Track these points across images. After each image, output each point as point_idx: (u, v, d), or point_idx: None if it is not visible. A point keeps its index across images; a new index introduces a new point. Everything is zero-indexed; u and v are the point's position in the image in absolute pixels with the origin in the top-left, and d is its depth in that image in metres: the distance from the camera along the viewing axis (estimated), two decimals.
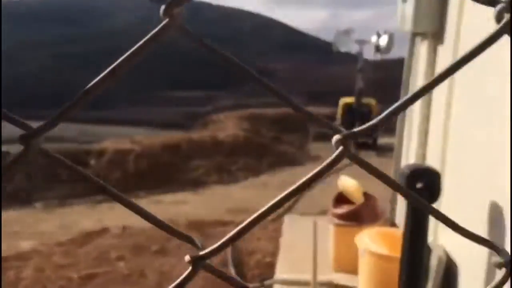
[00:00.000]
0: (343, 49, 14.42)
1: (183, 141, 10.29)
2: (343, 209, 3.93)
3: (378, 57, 14.19)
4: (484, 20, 0.76)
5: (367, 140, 13.87)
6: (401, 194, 0.54)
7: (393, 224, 3.96)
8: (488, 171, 2.23)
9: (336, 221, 3.93)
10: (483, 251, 2.08)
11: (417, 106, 3.83)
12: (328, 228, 4.15)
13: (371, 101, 14.67)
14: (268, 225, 5.92)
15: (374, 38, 13.97)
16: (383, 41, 13.57)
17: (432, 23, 3.26)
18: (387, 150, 12.95)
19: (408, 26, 3.39)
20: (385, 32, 13.78)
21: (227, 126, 12.68)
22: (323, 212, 7.47)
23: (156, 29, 0.43)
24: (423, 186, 2.31)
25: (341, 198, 4.06)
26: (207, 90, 61.12)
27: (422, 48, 3.44)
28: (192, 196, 8.57)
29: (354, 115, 13.76)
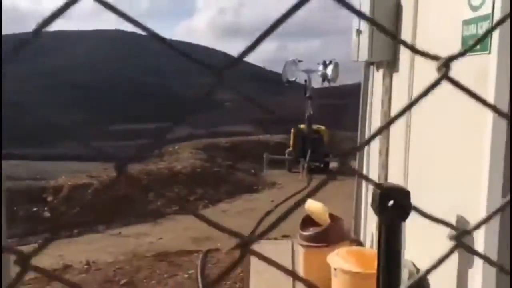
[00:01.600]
0: (291, 78, 14.85)
1: (141, 173, 10.23)
2: (311, 231, 4.10)
3: (326, 85, 14.72)
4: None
5: (320, 164, 14.24)
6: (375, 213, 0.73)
7: (359, 243, 4.16)
8: (452, 187, 2.45)
9: (305, 243, 4.09)
10: (451, 260, 2.28)
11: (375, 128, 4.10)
12: (295, 251, 4.30)
13: (321, 127, 15.12)
14: (232, 253, 6.00)
15: (320, 67, 14.53)
16: (330, 70, 14.15)
17: (387, 53, 3.54)
18: (339, 174, 13.33)
19: (364, 56, 3.66)
20: (330, 62, 14.38)
21: (183, 156, 12.72)
22: (285, 237, 7.63)
23: None
24: (394, 204, 2.51)
25: (308, 221, 4.23)
26: (159, 122, 60.74)
27: (378, 76, 3.72)
28: (154, 227, 8.52)
29: (305, 141, 14.12)
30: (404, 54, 3.34)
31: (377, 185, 2.67)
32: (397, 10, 3.49)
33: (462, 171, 2.40)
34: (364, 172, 4.38)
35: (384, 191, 2.59)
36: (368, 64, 4.10)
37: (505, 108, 2.07)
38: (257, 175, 13.53)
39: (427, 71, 2.91)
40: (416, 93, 3.19)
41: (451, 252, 0.64)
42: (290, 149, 14.64)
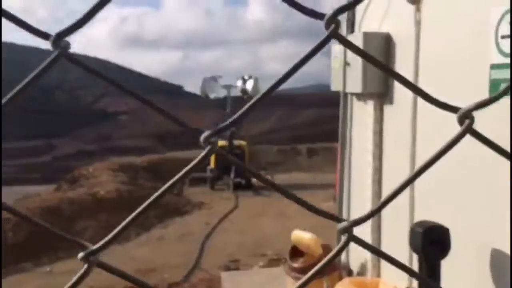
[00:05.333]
0: (212, 95, 14.77)
1: (62, 202, 9.50)
2: (301, 263, 4.04)
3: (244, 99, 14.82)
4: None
5: (241, 180, 14.27)
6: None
7: (350, 272, 4.17)
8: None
9: (296, 274, 4.01)
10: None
11: (356, 153, 4.16)
12: (281, 281, 4.22)
13: (242, 143, 15.17)
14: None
15: (239, 83, 14.64)
16: (249, 85, 14.29)
17: (380, 85, 3.61)
18: (262, 189, 13.46)
19: (356, 88, 3.70)
20: (250, 77, 14.54)
21: (103, 180, 12.03)
22: (235, 262, 7.50)
23: (49, 59, 0.58)
24: (435, 242, 2.55)
25: (296, 251, 4.17)
26: (44, 139, 57.19)
27: (369, 107, 3.77)
28: None
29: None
30: (399, 87, 3.42)
31: (417, 224, 2.69)
32: (388, 44, 3.57)
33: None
34: (345, 198, 4.42)
35: (425, 229, 2.62)
36: (345, 94, 4.16)
37: None
38: (181, 195, 13.19)
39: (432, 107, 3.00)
40: (420, 126, 3.29)
41: (345, 244, 0.63)
42: (211, 166, 14.49)
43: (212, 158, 15.02)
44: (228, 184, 14.22)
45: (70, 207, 9.49)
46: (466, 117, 0.66)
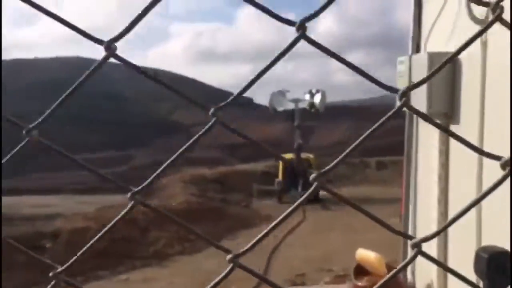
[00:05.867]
0: (279, 108, 14.97)
1: (137, 212, 9.97)
2: (366, 281, 4.05)
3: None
4: None
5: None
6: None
7: None
8: None
9: None
10: None
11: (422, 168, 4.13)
12: None
13: (310, 156, 15.22)
14: None
15: (307, 97, 14.73)
16: (317, 99, 14.35)
17: (446, 105, 3.59)
18: (330, 203, 13.39)
19: (421, 107, 3.69)
20: (317, 91, 14.60)
21: (174, 192, 12.49)
22: (301, 276, 7.56)
23: (99, 61, 0.64)
24: (501, 268, 2.51)
25: (361, 269, 4.18)
26: (120, 150, 59.81)
27: (426, 126, 3.76)
28: (160, 271, 8.29)
29: (295, 170, 14.14)
30: (470, 107, 3.38)
31: (483, 249, 2.66)
32: (453, 64, 3.55)
33: None
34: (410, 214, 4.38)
35: (490, 254, 2.58)
36: (410, 113, 4.15)
37: None
38: (249, 207, 13.43)
39: (500, 127, 2.95)
40: (487, 146, 3.24)
41: (414, 257, 0.75)
42: (279, 179, 14.63)
43: (280, 170, 15.17)
44: (296, 197, 14.28)
45: (144, 217, 9.94)
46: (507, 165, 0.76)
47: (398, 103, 0.78)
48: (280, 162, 15.01)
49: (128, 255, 8.71)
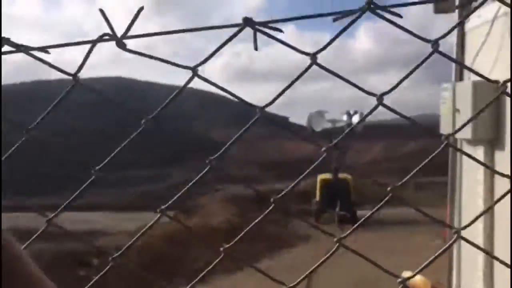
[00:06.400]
0: (317, 129, 15.11)
1: (179, 231, 10.24)
2: None
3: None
4: None
5: (347, 213, 14.25)
6: None
7: None
8: None
9: None
10: None
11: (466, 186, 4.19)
12: None
13: (347, 176, 15.24)
14: None
15: (345, 117, 14.84)
16: (355, 119, 14.43)
17: (491, 132, 3.67)
18: (368, 223, 13.33)
19: (466, 134, 3.79)
20: (356, 112, 14.70)
21: (214, 211, 12.73)
22: None
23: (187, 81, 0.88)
24: None
25: None
26: (157, 167, 60.73)
27: (479, 153, 3.83)
28: None
29: (333, 191, 14.19)
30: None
31: None
32: (498, 93, 3.64)
33: None
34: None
35: None
36: (460, 140, 4.24)
37: None
38: (286, 227, 13.52)
39: None
40: None
41: (453, 241, 0.93)
42: (317, 199, 14.70)
43: (317, 190, 15.24)
44: (333, 218, 14.28)
45: (185, 235, 10.18)
46: None
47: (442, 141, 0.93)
48: (318, 182, 15.09)
49: (172, 273, 8.94)
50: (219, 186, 19.64)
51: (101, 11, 0.74)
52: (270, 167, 49.58)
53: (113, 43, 0.81)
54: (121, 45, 0.84)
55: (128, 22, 0.78)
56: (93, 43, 0.83)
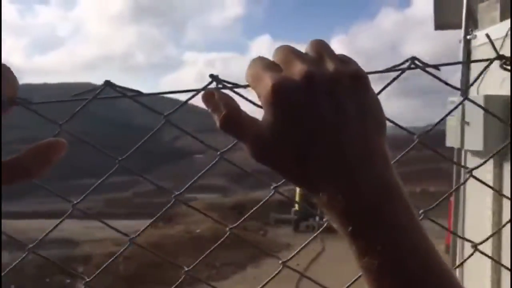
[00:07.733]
0: None
1: (163, 238, 10.17)
2: None
3: None
4: None
5: (325, 221, 14.39)
6: None
7: None
8: None
9: None
10: None
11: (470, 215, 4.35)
12: None
13: None
14: None
15: None
16: None
17: (500, 142, 3.84)
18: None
19: (477, 146, 3.96)
20: None
21: (197, 218, 12.68)
22: None
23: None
24: None
25: None
26: (126, 175, 59.87)
27: (487, 164, 4.00)
28: None
29: (313, 200, 14.25)
30: None
31: None
32: (507, 107, 3.81)
33: None
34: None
35: None
36: (459, 150, 4.41)
37: None
38: (266, 236, 13.57)
39: None
40: None
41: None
42: (296, 208, 14.76)
43: (297, 199, 15.27)
44: (310, 226, 14.33)
45: (169, 243, 10.12)
46: None
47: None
48: (298, 191, 15.15)
49: (159, 281, 8.85)
50: (195, 195, 19.58)
51: None
52: (236, 177, 49.63)
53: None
54: None
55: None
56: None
